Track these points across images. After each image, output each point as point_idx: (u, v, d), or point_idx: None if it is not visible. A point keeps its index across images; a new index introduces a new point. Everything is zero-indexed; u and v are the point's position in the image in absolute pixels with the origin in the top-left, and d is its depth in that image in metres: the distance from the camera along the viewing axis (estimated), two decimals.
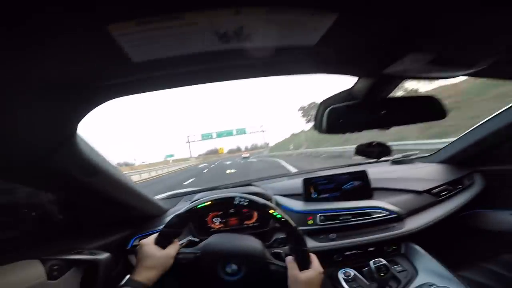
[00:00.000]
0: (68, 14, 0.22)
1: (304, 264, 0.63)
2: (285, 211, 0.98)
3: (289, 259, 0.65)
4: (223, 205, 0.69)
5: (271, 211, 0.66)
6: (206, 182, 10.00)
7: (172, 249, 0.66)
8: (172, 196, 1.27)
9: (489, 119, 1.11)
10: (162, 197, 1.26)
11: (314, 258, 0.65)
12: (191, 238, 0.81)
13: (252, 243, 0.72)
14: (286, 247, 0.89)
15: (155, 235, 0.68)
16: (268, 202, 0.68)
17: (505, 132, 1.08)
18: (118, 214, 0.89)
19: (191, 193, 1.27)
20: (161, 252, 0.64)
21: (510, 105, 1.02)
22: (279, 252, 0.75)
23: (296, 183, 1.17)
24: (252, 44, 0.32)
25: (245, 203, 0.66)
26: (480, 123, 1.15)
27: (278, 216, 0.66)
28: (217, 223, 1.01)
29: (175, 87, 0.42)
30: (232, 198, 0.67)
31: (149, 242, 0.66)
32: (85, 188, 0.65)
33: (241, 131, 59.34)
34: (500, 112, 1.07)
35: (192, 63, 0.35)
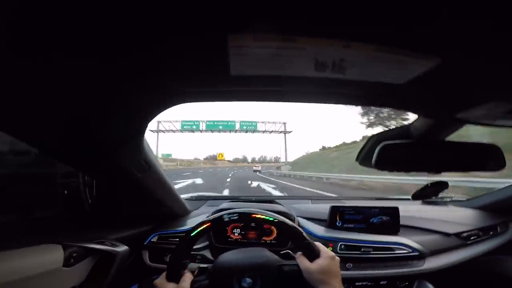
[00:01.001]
0: (195, 20, 0.23)
1: (312, 255, 0.61)
2: (307, 234, 0.95)
3: (298, 254, 0.64)
4: (216, 225, 0.67)
5: (262, 216, 0.64)
6: None
7: (186, 282, 0.64)
8: (197, 198, 1.29)
9: None
10: (186, 197, 1.27)
11: (321, 246, 0.64)
12: (200, 265, 0.80)
13: (258, 252, 0.71)
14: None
15: (165, 273, 0.66)
16: (257, 210, 0.67)
17: None
18: (148, 209, 0.92)
19: (214, 199, 1.28)
20: None
21: None
22: (287, 252, 0.73)
23: (320, 208, 1.14)
24: (343, 77, 0.31)
25: (234, 218, 0.65)
26: None
27: (270, 218, 0.64)
28: (236, 234, 1.00)
29: (250, 100, 0.43)
30: (221, 217, 0.65)
31: (162, 281, 0.65)
32: (134, 182, 0.68)
33: (249, 126, 32.73)
34: None
35: (278, 83, 0.35)
